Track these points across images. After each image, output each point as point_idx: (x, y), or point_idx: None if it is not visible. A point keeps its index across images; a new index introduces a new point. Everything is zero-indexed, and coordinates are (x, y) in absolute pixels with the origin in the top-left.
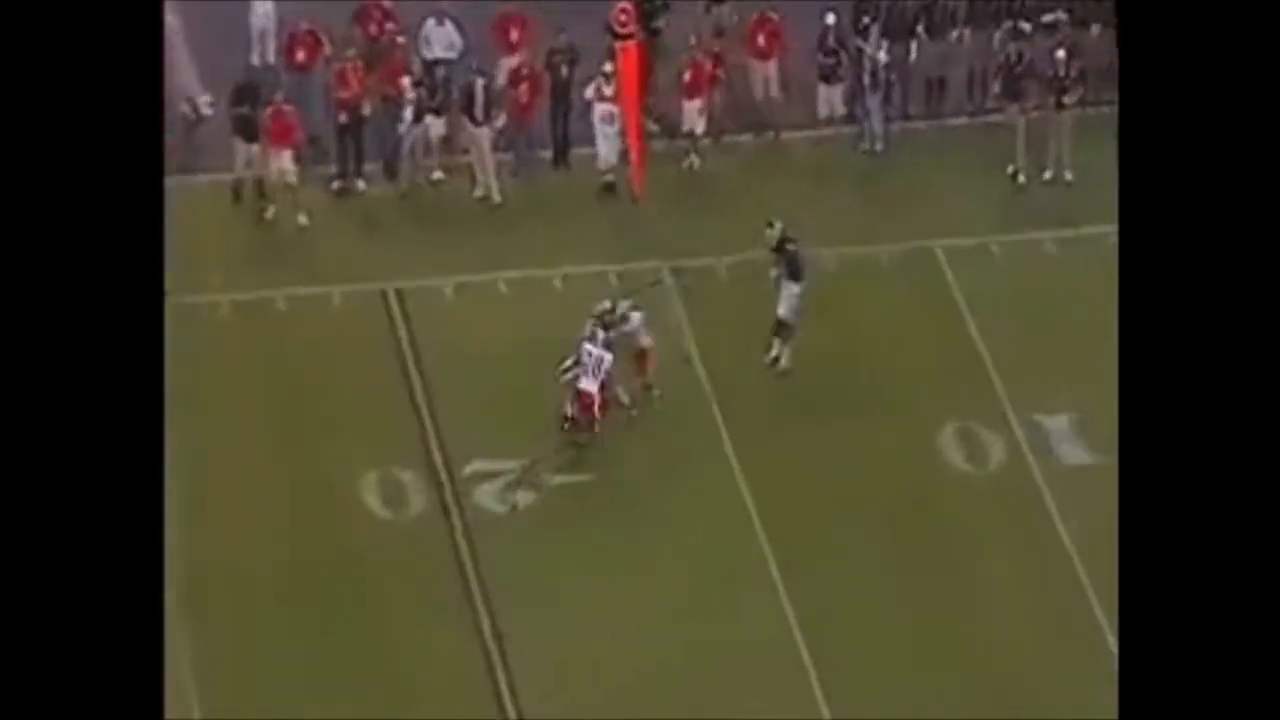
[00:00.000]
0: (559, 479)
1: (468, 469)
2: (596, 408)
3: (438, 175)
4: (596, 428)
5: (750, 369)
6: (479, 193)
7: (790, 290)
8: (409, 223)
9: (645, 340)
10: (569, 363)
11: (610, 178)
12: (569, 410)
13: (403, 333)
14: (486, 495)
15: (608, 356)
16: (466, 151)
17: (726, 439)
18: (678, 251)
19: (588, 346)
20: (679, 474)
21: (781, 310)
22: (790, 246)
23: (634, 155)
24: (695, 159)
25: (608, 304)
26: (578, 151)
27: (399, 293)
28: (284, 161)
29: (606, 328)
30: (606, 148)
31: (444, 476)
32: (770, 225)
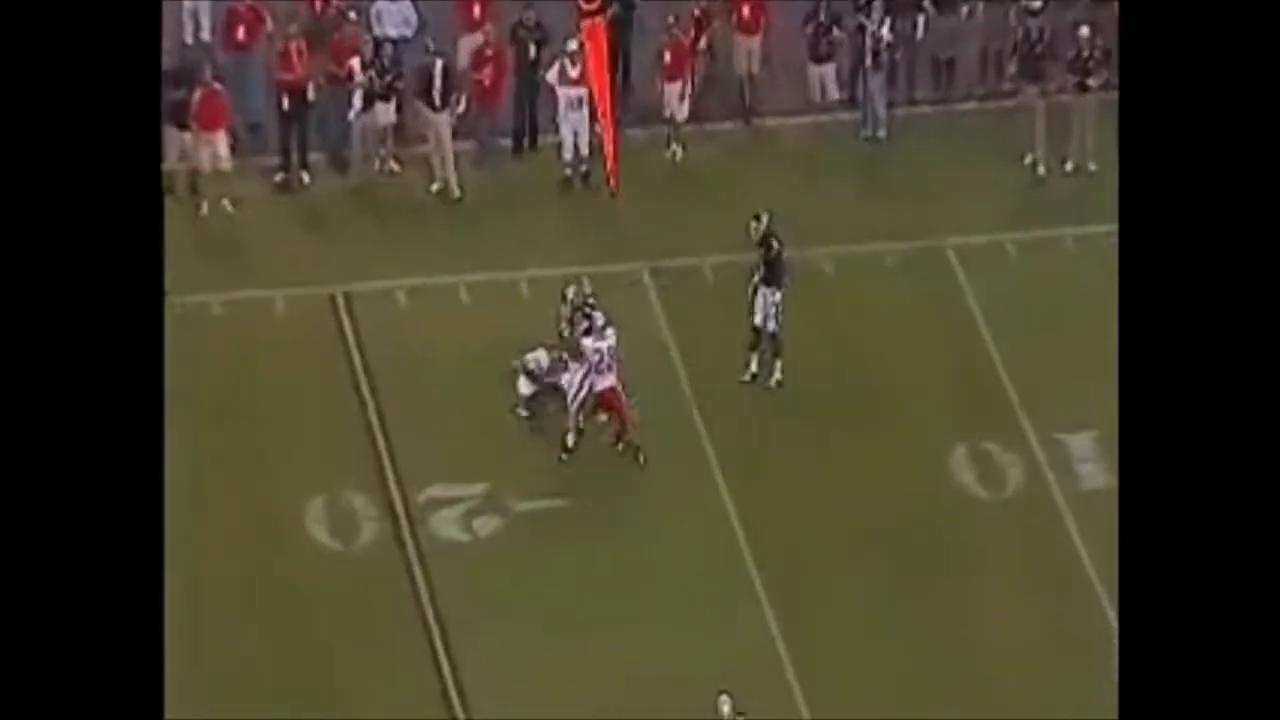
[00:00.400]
0: (526, 505)
1: (425, 493)
2: (626, 406)
3: (391, 167)
4: (634, 428)
5: (739, 381)
6: (437, 186)
7: (769, 297)
8: (359, 220)
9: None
10: (557, 379)
11: (583, 168)
12: (573, 430)
13: (352, 342)
14: (445, 522)
15: (612, 341)
16: (423, 140)
17: (713, 460)
18: (658, 251)
19: (587, 341)
20: (660, 498)
21: (759, 319)
22: (774, 245)
23: (608, 144)
24: (677, 148)
25: (575, 292)
26: (547, 140)
27: (348, 297)
28: (217, 147)
29: (588, 322)
30: (574, 136)
31: (398, 502)
32: (756, 218)
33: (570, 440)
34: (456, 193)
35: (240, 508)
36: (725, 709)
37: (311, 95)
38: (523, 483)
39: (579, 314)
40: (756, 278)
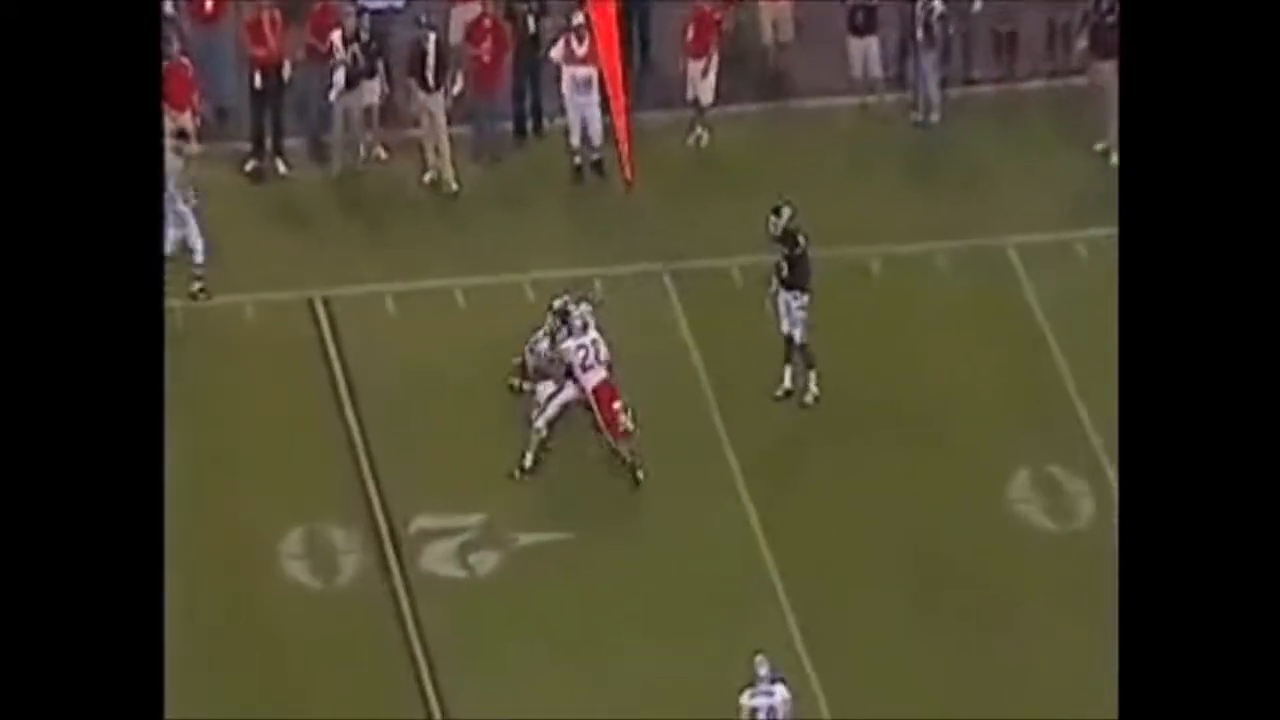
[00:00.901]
0: (528, 537)
1: (415, 524)
2: (621, 405)
3: (378, 154)
4: (621, 433)
5: (770, 395)
6: (430, 176)
7: (793, 303)
8: (342, 214)
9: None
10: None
11: (594, 156)
12: (533, 448)
13: (334, 353)
14: (438, 558)
15: (594, 336)
16: (415, 125)
17: (741, 484)
18: (679, 250)
19: (573, 342)
20: (681, 528)
21: (788, 327)
22: (799, 242)
23: (620, 129)
24: (702, 133)
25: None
26: (554, 124)
27: (328, 303)
28: (183, 123)
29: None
30: (583, 120)
31: (385, 534)
32: (776, 211)
33: (529, 460)
34: (452, 184)
35: (206, 543)
36: (763, 670)
37: (287, 73)
38: (525, 512)
39: (557, 320)
40: (775, 282)
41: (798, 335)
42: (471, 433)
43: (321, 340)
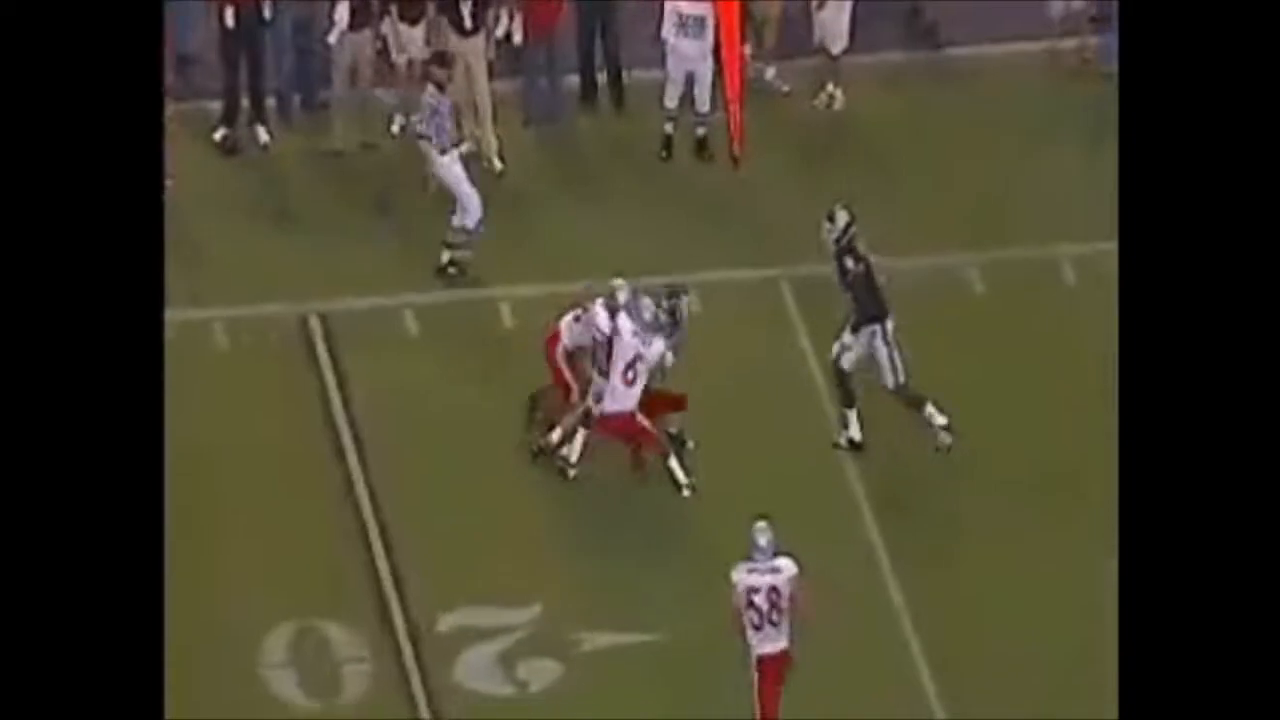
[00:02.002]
0: (598, 638)
1: (443, 622)
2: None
3: (397, 123)
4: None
5: (919, 440)
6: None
7: (875, 342)
8: (345, 201)
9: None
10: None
11: (700, 130)
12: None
13: (332, 385)
14: (476, 668)
15: (657, 349)
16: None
17: (885, 562)
18: (802, 250)
19: (620, 321)
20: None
21: (891, 377)
22: (852, 262)
23: (730, 87)
24: (835, 92)
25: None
26: (637, 79)
27: (325, 320)
28: None
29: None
30: (687, 77)
31: (403, 635)
32: (830, 219)
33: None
34: (496, 162)
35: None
36: (763, 540)
37: (269, 13)
38: (593, 604)
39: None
40: (848, 326)
41: (891, 380)
42: (519, 494)
43: (317, 368)
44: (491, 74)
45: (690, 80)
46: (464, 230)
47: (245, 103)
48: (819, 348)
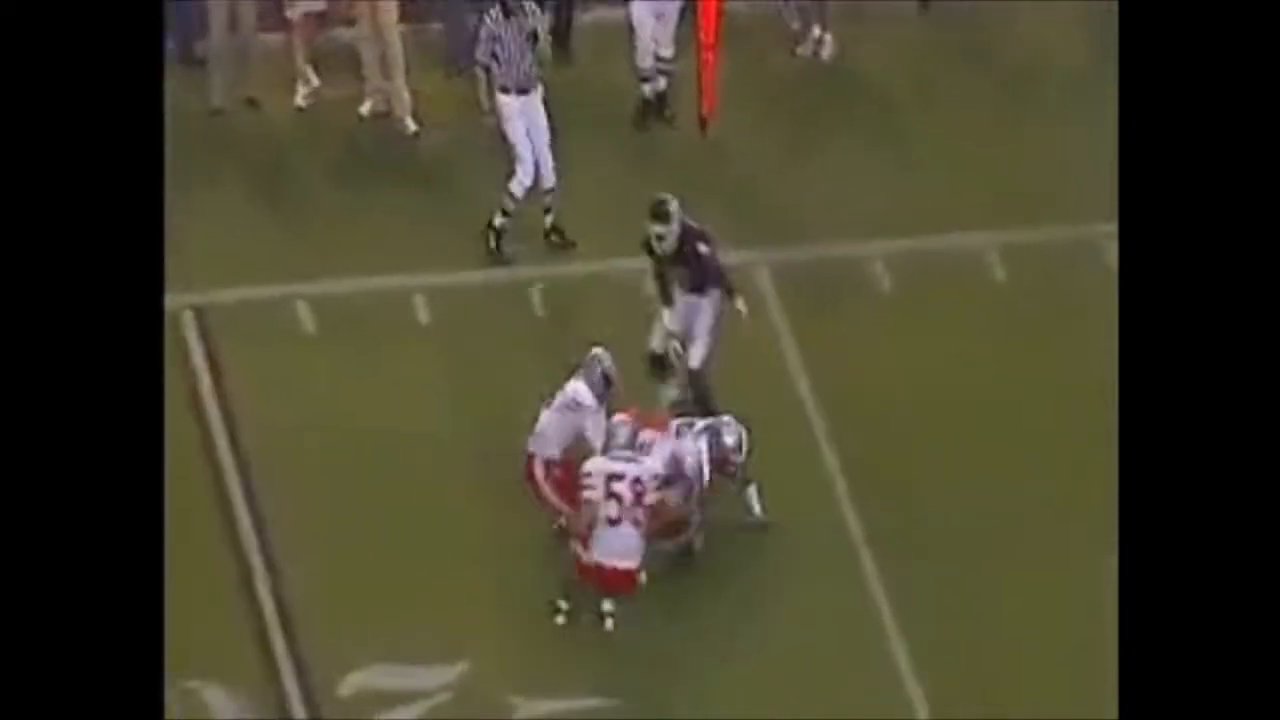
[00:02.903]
0: (540, 706)
1: (350, 683)
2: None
3: (302, 93)
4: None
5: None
6: (369, 108)
7: (705, 304)
8: (224, 170)
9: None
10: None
11: (658, 83)
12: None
13: (208, 393)
14: None
15: (698, 457)
16: (348, 24)
17: (867, 556)
18: (785, 230)
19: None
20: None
21: (659, 339)
22: (703, 242)
23: (704, 29)
24: (823, 38)
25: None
26: (591, 20)
27: (200, 314)
28: None
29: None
30: (653, 20)
31: (297, 699)
32: (658, 212)
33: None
34: (409, 122)
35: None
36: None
37: None
38: (529, 663)
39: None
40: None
41: (695, 358)
42: (441, 529)
43: (189, 371)
44: (404, 14)
45: (656, 21)
46: (515, 198)
47: None
48: (803, 341)
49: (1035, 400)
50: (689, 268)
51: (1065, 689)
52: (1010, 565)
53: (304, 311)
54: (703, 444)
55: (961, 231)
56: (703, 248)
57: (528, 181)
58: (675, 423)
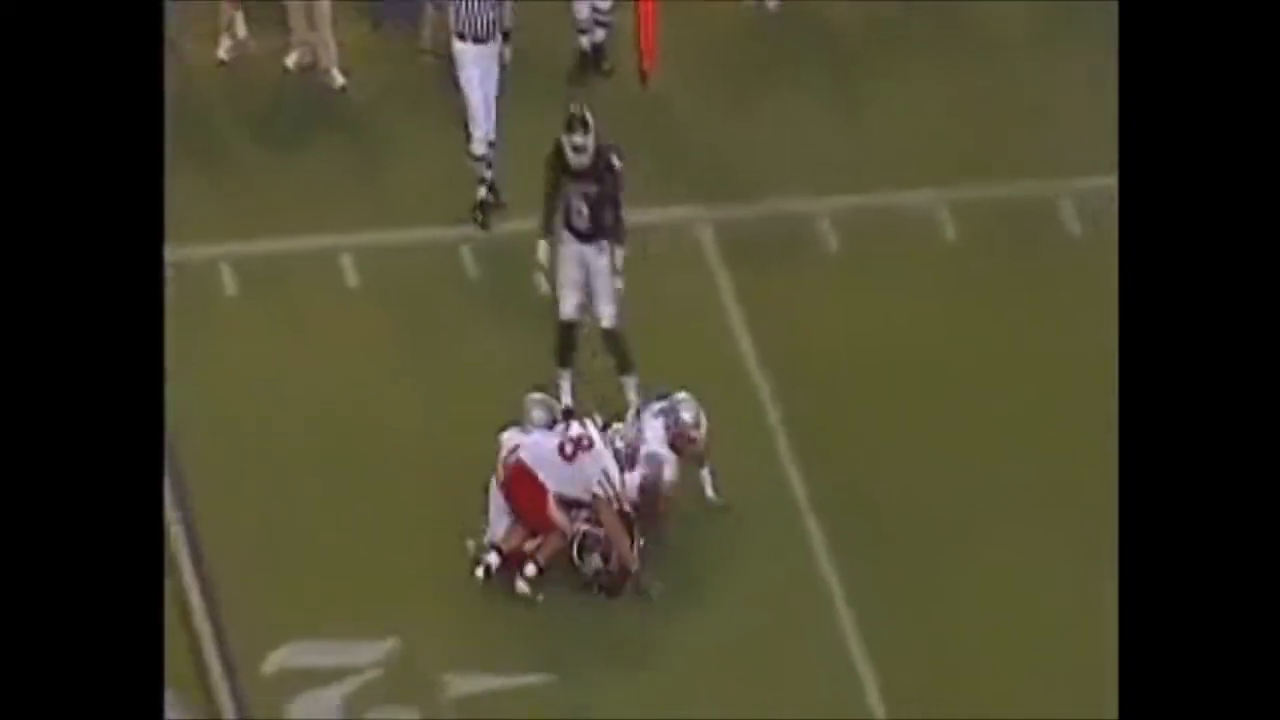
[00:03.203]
0: (472, 682)
1: (273, 660)
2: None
3: (225, 46)
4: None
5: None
6: (295, 60)
7: (596, 258)
8: None
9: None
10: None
11: (596, 36)
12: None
13: None
14: (311, 716)
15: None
16: None
17: (821, 546)
18: (727, 186)
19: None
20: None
21: (572, 302)
22: (613, 165)
23: None
24: None
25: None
26: None
27: None
28: None
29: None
30: None
31: (218, 676)
32: (578, 122)
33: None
34: (336, 75)
35: None
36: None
37: None
38: (461, 638)
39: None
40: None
41: (606, 316)
42: (369, 496)
43: None
44: None
45: None
46: (481, 157)
47: None
48: (746, 302)
49: (985, 363)
50: (601, 184)
51: (1014, 652)
52: (961, 531)
53: (226, 273)
54: (659, 424)
55: (911, 189)
56: (616, 161)
57: (486, 135)
58: (633, 405)
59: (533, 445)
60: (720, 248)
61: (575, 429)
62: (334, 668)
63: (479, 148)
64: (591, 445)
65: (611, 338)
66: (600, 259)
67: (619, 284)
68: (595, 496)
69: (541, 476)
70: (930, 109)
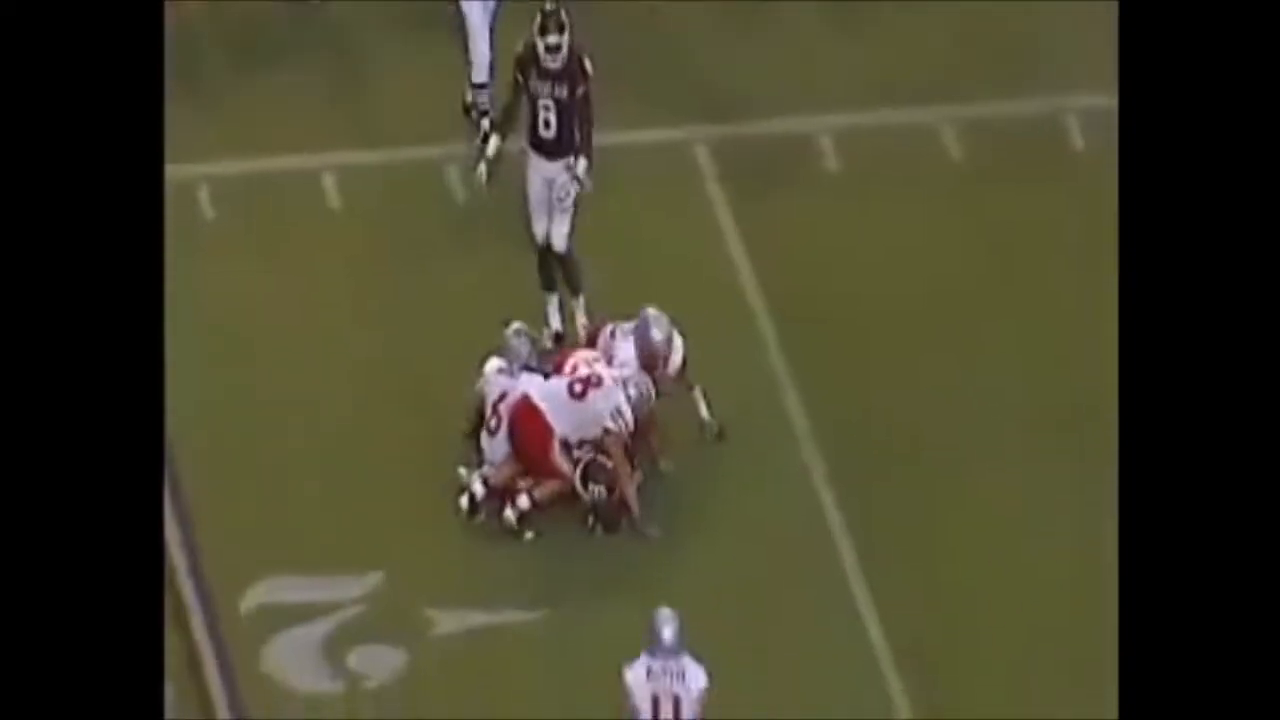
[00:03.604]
0: (456, 619)
1: (251, 596)
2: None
3: None
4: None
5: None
6: None
7: (558, 177)
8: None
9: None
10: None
11: None
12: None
13: None
14: (294, 656)
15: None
16: None
17: (834, 518)
18: (726, 105)
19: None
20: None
21: (541, 226)
22: (585, 71)
23: None
24: None
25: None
26: None
27: None
28: None
29: None
30: None
31: (196, 612)
32: (553, 23)
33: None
34: None
35: None
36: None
37: None
38: (447, 574)
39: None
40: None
41: (558, 237)
42: (351, 425)
43: None
44: None
45: None
46: (482, 87)
47: None
48: (745, 227)
49: (992, 286)
50: (572, 87)
51: (1014, 579)
52: (962, 457)
53: (204, 195)
54: (628, 345)
55: (915, 106)
56: (588, 64)
57: (486, 59)
58: (606, 328)
59: (539, 386)
60: (717, 168)
61: (583, 370)
62: (313, 604)
63: (479, 76)
64: (600, 382)
65: (563, 260)
66: (563, 177)
67: (574, 190)
68: (607, 431)
69: (549, 417)
70: (933, 25)
